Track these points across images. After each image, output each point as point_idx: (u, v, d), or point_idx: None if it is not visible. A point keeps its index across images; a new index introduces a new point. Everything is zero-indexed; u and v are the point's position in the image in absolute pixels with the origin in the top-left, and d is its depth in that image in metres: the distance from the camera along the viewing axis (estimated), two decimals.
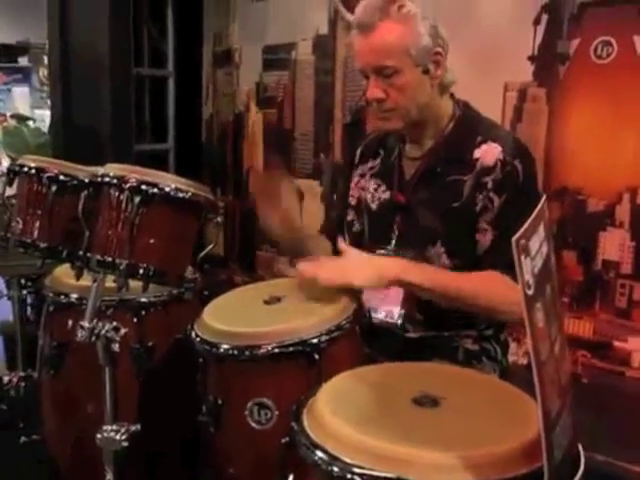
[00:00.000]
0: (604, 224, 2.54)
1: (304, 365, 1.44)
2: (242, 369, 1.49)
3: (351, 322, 1.52)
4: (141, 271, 1.32)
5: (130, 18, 3.82)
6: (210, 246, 1.42)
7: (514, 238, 0.87)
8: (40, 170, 1.52)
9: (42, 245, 1.49)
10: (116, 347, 1.45)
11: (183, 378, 1.74)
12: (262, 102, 3.90)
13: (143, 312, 1.78)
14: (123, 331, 1.46)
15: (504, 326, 1.79)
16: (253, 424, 1.46)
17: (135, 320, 1.77)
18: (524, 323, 1.79)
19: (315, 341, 1.44)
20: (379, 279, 1.53)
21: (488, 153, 1.64)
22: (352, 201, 1.90)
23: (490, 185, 1.62)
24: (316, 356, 1.44)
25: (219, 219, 1.39)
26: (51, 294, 1.89)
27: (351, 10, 3.32)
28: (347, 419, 1.06)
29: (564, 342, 1.02)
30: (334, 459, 1.00)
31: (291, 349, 1.44)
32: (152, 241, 1.32)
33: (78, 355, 1.80)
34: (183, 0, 4.13)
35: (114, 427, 1.51)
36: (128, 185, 1.30)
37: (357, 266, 1.58)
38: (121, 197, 1.32)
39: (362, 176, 1.90)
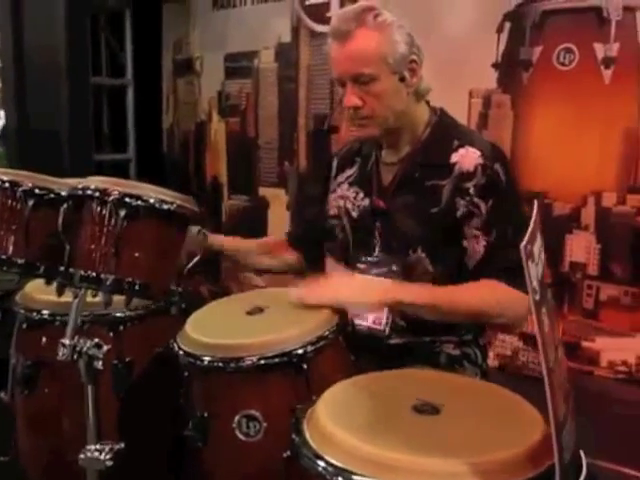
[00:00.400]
0: (570, 227, 2.59)
1: (291, 375, 1.43)
2: (228, 381, 1.46)
3: (336, 331, 1.51)
4: (127, 286, 1.29)
5: (88, 27, 3.76)
6: (196, 258, 1.39)
7: (522, 244, 0.87)
8: (14, 184, 1.47)
9: (19, 261, 1.44)
10: (99, 365, 1.41)
11: (164, 393, 1.71)
12: (224, 111, 3.88)
13: (121, 327, 1.74)
14: (106, 348, 1.42)
15: (484, 330, 1.81)
16: (241, 437, 1.43)
17: (112, 335, 1.73)
18: (515, 328, 1.81)
19: (302, 351, 1.43)
20: (379, 304, 1.57)
21: (466, 158, 1.65)
22: (333, 211, 1.89)
23: (472, 191, 1.63)
24: (304, 366, 1.42)
25: (205, 231, 1.37)
26: (22, 311, 1.83)
27: (313, 18, 3.36)
28: (350, 429, 1.06)
29: (562, 347, 1.03)
30: (340, 470, 0.99)
31: (277, 360, 1.42)
32: (137, 255, 1.29)
33: (53, 374, 1.75)
34: (142, 9, 4.07)
35: (97, 447, 1.47)
36: (111, 198, 1.27)
37: (353, 286, 1.60)
38: (104, 210, 1.29)
39: (340, 185, 1.90)
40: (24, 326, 1.81)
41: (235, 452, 1.45)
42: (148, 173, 4.05)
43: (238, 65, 3.75)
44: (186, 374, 1.50)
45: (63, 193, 1.45)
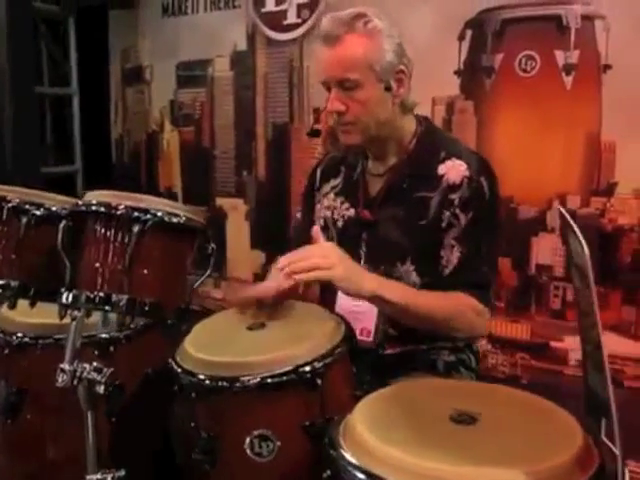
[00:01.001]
0: (536, 230, 2.65)
1: (304, 392, 1.40)
2: (238, 401, 1.41)
3: (345, 344, 1.49)
4: (140, 306, 1.23)
5: (30, 35, 3.62)
6: (206, 274, 1.34)
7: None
8: (2, 199, 1.39)
9: (12, 284, 1.35)
10: (101, 389, 1.35)
11: (156, 415, 1.66)
12: (177, 120, 3.80)
13: (111, 348, 1.67)
14: (107, 371, 1.35)
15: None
16: (254, 457, 1.39)
17: (102, 357, 1.65)
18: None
19: (315, 366, 1.40)
20: (359, 289, 1.50)
21: (453, 170, 1.66)
22: (319, 222, 1.86)
23: (457, 202, 1.64)
24: (318, 381, 1.39)
25: (213, 245, 1.33)
26: (1, 335, 1.73)
27: (269, 25, 3.34)
28: (394, 442, 1.03)
29: None
30: None
31: (291, 376, 1.39)
32: (147, 272, 1.23)
33: (37, 400, 1.67)
34: (86, 16, 3.95)
35: (99, 476, 1.40)
36: (119, 213, 1.21)
37: (351, 267, 1.52)
38: (111, 226, 1.23)
39: (326, 196, 1.88)
40: (5, 351, 1.71)
41: (247, 474, 1.41)
42: (97, 185, 3.90)
43: (191, 74, 3.68)
44: (194, 395, 1.43)
45: (54, 208, 1.38)
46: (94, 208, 1.25)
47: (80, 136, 4.06)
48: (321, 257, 1.49)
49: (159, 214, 1.24)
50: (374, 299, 1.54)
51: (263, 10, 3.36)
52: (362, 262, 1.73)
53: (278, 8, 3.30)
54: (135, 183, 4.00)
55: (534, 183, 2.65)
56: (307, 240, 1.91)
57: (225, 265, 3.61)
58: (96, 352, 1.67)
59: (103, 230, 1.24)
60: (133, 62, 3.95)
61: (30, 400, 1.69)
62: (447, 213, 1.64)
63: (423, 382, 1.36)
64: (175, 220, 1.25)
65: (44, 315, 1.64)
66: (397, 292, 1.55)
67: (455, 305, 1.60)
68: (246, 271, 3.56)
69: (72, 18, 3.97)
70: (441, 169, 1.67)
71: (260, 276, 3.42)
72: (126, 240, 1.22)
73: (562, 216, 1.05)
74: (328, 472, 1.09)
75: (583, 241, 0.86)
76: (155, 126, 3.90)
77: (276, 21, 3.31)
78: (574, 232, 0.92)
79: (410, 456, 1.00)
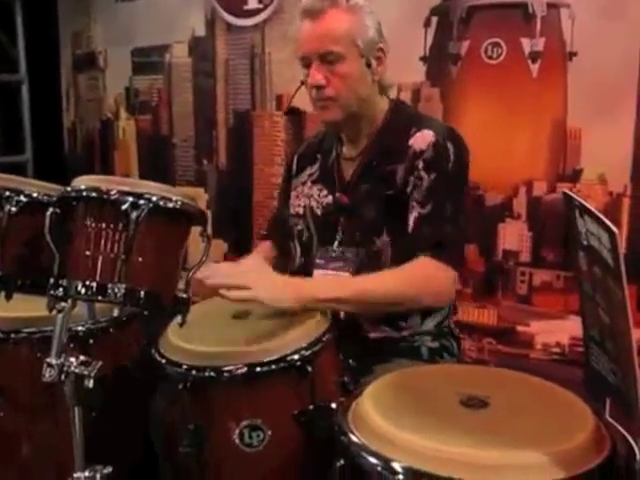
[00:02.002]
0: (503, 216, 2.67)
1: (294, 379, 1.38)
2: (227, 391, 1.39)
3: (333, 330, 1.47)
4: (137, 295, 1.17)
5: None
6: (202, 260, 1.29)
7: None
8: None
9: None
10: (90, 383, 1.29)
11: (136, 409, 1.61)
12: (133, 108, 3.70)
13: (90, 340, 1.60)
14: (96, 365, 1.30)
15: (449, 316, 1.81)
16: (244, 448, 1.36)
17: (80, 351, 1.58)
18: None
19: (307, 353, 1.38)
20: (295, 300, 1.46)
21: (420, 138, 1.65)
22: (299, 210, 1.84)
23: (421, 165, 1.63)
24: (309, 369, 1.37)
25: (208, 233, 1.28)
26: None
27: (229, 11, 3.27)
28: (416, 430, 1.02)
29: None
30: (413, 471, 0.95)
31: (281, 364, 1.36)
32: (141, 260, 1.18)
33: (12, 397, 1.60)
34: (34, 0, 3.80)
35: (87, 474, 1.34)
36: (112, 198, 1.16)
37: (271, 283, 1.49)
38: (103, 212, 1.17)
39: (304, 184, 1.86)
40: None
41: (238, 465, 1.38)
42: (48, 175, 3.78)
43: (147, 60, 3.59)
44: (180, 387, 1.38)
45: (35, 195, 1.31)
46: (84, 194, 1.19)
47: (30, 124, 3.91)
48: (242, 277, 1.46)
49: (154, 199, 1.18)
50: (312, 304, 1.48)
51: None
52: (336, 245, 1.72)
53: None
54: (88, 172, 3.86)
55: (500, 170, 2.67)
56: (286, 231, 1.89)
57: (186, 255, 3.54)
58: (72, 345, 1.59)
59: (94, 217, 1.18)
60: (85, 48, 3.83)
61: (6, 399, 1.61)
62: (411, 178, 1.64)
63: (425, 368, 1.36)
64: (170, 205, 1.20)
65: (16, 308, 1.58)
66: (335, 288, 1.53)
67: (410, 275, 1.56)
68: (208, 260, 3.50)
69: (19, 1, 3.81)
70: (411, 141, 1.66)
71: None
72: (119, 227, 1.16)
73: (570, 198, 1.05)
74: (342, 461, 1.06)
75: (610, 224, 0.85)
76: (110, 114, 3.79)
77: (236, 6, 3.25)
78: (593, 215, 0.92)
79: (431, 442, 0.98)
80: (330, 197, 1.78)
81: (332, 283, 1.61)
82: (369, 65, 1.65)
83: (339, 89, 1.63)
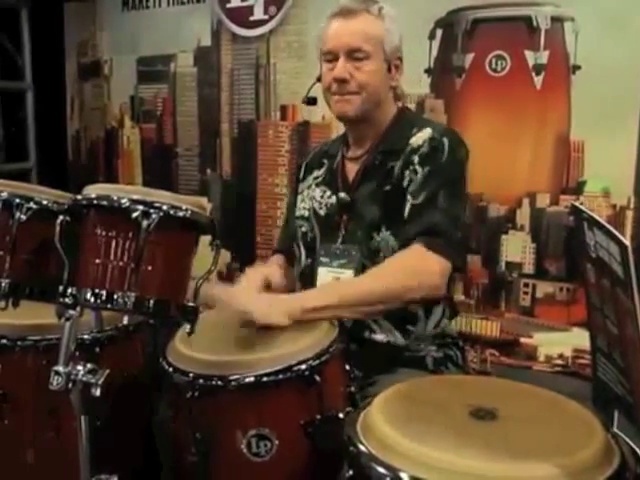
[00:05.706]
0: (506, 228, 2.69)
1: (302, 389, 1.37)
2: (235, 400, 1.38)
3: (341, 340, 1.47)
4: (145, 304, 1.18)
5: None
6: (211, 269, 1.29)
7: None
8: None
9: (3, 283, 1.28)
10: (97, 392, 1.29)
11: (140, 417, 1.61)
12: (138, 117, 3.71)
13: (97, 349, 1.60)
14: (103, 373, 1.30)
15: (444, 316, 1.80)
16: (251, 457, 1.36)
17: (86, 359, 1.58)
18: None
19: (315, 362, 1.38)
20: (284, 314, 1.48)
21: (418, 136, 1.71)
22: (304, 213, 1.88)
23: (416, 160, 1.68)
24: (317, 378, 1.37)
25: (218, 241, 1.29)
26: None
27: (235, 21, 3.29)
28: (429, 442, 1.02)
29: None
30: None
31: (289, 374, 1.36)
32: (150, 268, 1.19)
33: (20, 406, 1.60)
34: (40, 8, 3.82)
35: None
36: (123, 207, 1.16)
37: (259, 302, 1.52)
38: (112, 221, 1.18)
39: (309, 187, 1.91)
40: None
41: (245, 474, 1.38)
42: (51, 183, 3.78)
43: (153, 69, 3.60)
44: (189, 395, 1.38)
45: (45, 202, 1.32)
46: (95, 202, 1.19)
47: (35, 132, 3.91)
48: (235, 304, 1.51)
49: (164, 208, 1.19)
50: (304, 316, 1.50)
51: (228, 5, 3.30)
52: (339, 243, 1.76)
53: (244, 4, 3.25)
54: (92, 181, 3.88)
55: (504, 181, 2.69)
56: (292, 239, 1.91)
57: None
58: (78, 353, 1.59)
59: (104, 225, 1.18)
60: (91, 56, 3.84)
61: (9, 407, 1.61)
62: (407, 172, 1.68)
63: (433, 379, 1.35)
64: (181, 214, 1.21)
65: (22, 316, 1.58)
66: (319, 297, 1.55)
67: (394, 269, 1.59)
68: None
69: (25, 9, 3.82)
70: (411, 140, 1.71)
71: (225, 275, 3.38)
72: (130, 235, 1.17)
73: (579, 211, 1.06)
74: (350, 472, 1.06)
75: (622, 238, 0.85)
76: (114, 122, 3.80)
77: (242, 17, 3.27)
78: (602, 228, 0.92)
79: (441, 453, 0.98)
80: (333, 197, 1.82)
81: (316, 292, 1.63)
82: (389, 70, 1.73)
83: (362, 85, 1.70)
